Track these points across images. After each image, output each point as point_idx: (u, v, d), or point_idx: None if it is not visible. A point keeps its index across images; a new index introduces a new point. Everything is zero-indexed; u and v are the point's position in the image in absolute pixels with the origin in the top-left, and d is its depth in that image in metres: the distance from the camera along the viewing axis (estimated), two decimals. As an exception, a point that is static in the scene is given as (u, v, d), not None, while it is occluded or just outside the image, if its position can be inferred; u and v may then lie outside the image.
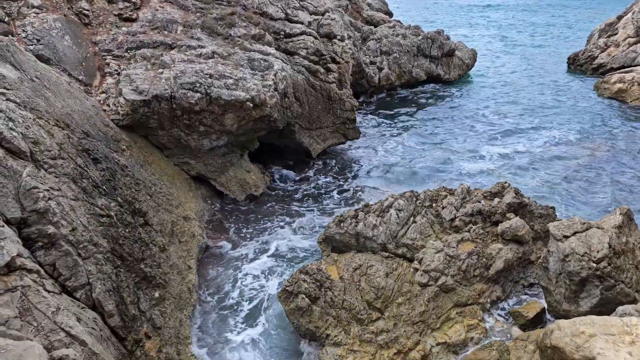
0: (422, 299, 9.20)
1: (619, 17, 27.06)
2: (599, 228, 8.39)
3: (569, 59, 27.87)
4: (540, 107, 21.90)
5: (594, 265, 7.94)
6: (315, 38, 16.19)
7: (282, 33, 15.66)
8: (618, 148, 17.23)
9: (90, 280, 6.65)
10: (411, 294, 9.32)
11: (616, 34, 25.71)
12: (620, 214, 8.73)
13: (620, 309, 6.96)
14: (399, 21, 29.75)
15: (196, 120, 12.41)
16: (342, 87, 16.94)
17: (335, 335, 8.82)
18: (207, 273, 10.83)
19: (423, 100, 23.16)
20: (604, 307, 8.00)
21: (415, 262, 9.78)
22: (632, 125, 19.39)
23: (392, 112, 21.58)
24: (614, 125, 19.43)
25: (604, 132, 18.75)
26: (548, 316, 9.09)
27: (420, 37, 24.57)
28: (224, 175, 13.72)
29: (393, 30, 24.84)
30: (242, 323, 9.53)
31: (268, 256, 11.53)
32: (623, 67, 23.22)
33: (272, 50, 14.45)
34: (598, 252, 8.00)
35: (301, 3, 16.58)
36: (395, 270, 9.72)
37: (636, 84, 21.54)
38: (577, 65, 26.81)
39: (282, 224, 12.90)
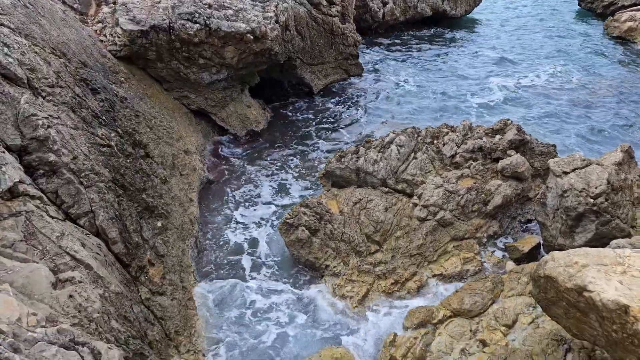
0: (420, 232, 9.36)
1: (636, -49, 25.86)
2: (598, 165, 8.40)
3: (580, -5, 26.98)
4: (546, 45, 21.41)
5: (592, 200, 8.02)
6: (318, -32, 15.57)
7: (284, -38, 15.01)
8: (621, 87, 16.98)
9: (93, 208, 6.73)
10: (409, 228, 9.47)
11: (631, -32, 24.67)
12: (621, 151, 8.72)
13: (614, 242, 7.09)
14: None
15: (195, 52, 12.15)
16: (345, 21, 16.49)
17: (335, 266, 9.05)
18: (207, 207, 10.96)
19: (427, 38, 22.58)
20: (598, 242, 8.15)
21: (415, 197, 9.88)
22: (635, 64, 19.01)
23: (395, 50, 21.10)
24: (619, 65, 19.05)
25: (609, 72, 18.41)
26: (543, 251, 9.29)
27: (427, -30, 23.65)
28: (225, 110, 13.60)
29: (399, -38, 23.83)
30: (241, 254, 9.74)
31: (269, 191, 11.63)
32: (635, 4, 22.48)
33: (273, -20, 13.92)
34: (596, 188, 8.05)
35: None
36: (394, 205, 9.83)
37: (648, 22, 20.94)
38: (588, 2, 25.94)
39: (282, 159, 12.92)
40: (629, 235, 7.95)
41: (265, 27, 12.38)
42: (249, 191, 11.61)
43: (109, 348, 5.10)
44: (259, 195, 11.47)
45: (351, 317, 8.32)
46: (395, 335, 7.73)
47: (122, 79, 10.80)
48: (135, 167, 8.43)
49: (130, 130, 9.18)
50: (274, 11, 13.12)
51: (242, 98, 13.92)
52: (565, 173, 8.41)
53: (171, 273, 7.86)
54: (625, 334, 5.06)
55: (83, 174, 6.81)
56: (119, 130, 8.69)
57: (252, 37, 12.09)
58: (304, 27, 14.87)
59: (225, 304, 8.49)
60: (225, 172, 12.34)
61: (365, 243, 9.29)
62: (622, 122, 14.84)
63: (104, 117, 8.40)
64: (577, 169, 8.41)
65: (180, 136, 11.66)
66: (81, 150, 7.04)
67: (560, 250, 8.47)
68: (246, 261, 9.57)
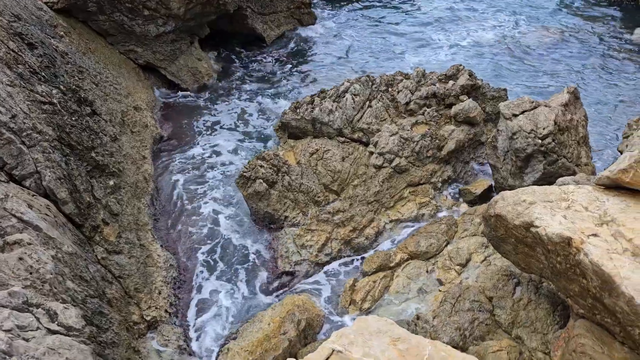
0: (377, 180, 9.48)
1: None
2: (546, 106, 8.63)
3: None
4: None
5: (539, 141, 8.28)
6: None
7: None
8: (569, 33, 17.28)
9: (38, 169, 6.47)
10: (366, 176, 9.58)
11: None
12: (567, 92, 8.96)
13: (560, 180, 7.40)
14: None
15: (139, 3, 11.57)
16: (295, -32, 15.97)
17: (294, 217, 9.12)
18: (160, 163, 10.72)
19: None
20: (546, 181, 8.47)
21: (371, 145, 9.94)
22: (585, 10, 19.34)
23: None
24: (567, 10, 19.32)
25: (556, 18, 18.67)
26: (495, 193, 9.61)
27: None
28: (174, 63, 13.14)
29: None
30: (198, 209, 9.66)
31: (224, 145, 11.45)
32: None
33: None
34: (544, 129, 8.30)
35: None
36: (351, 154, 9.88)
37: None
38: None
39: (236, 112, 12.68)
40: (574, 173, 8.29)
41: (212, -26, 11.86)
42: (202, 146, 11.40)
43: (65, 308, 5.03)
44: (213, 150, 11.29)
45: (311, 265, 8.47)
46: (355, 280, 7.95)
47: (62, 33, 10.20)
48: (81, 125, 8.10)
49: (74, 87, 8.75)
50: (220, -43, 12.55)
51: (192, 51, 13.45)
52: (515, 116, 8.61)
53: (127, 231, 7.74)
54: (569, 265, 5.35)
55: (25, 133, 6.50)
56: (61, 87, 8.27)
57: (198, -15, 11.58)
58: (253, -26, 14.33)
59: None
60: (178, 127, 12.03)
61: (323, 193, 9.36)
62: (568, 66, 15.19)
63: (43, 74, 7.96)
64: (525, 111, 8.61)
65: (129, 92, 11.24)
66: (20, 108, 6.69)
67: (511, 190, 8.80)
68: (203, 217, 9.51)
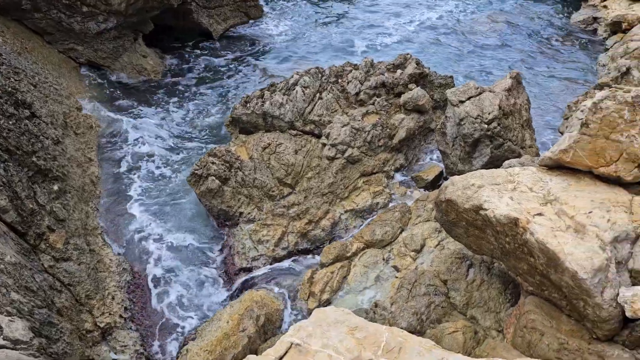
0: (331, 171, 9.51)
1: None
2: (491, 92, 8.86)
3: None
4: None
5: (486, 126, 8.50)
6: None
7: None
8: (511, 18, 17.81)
9: (-26, 177, 6.14)
10: (320, 168, 9.59)
11: None
12: (510, 77, 9.23)
13: (506, 162, 7.63)
14: None
15: (76, -1, 11.11)
16: (239, -40, 15.71)
17: (249, 213, 9.04)
18: (109, 163, 10.38)
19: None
20: (493, 165, 8.71)
21: (323, 137, 9.95)
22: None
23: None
24: (510, -4, 19.92)
25: (498, 4, 19.20)
26: (446, 178, 9.81)
27: None
28: (118, 61, 12.72)
29: None
30: (150, 209, 9.42)
31: (173, 143, 11.20)
32: None
33: None
34: (489, 114, 8.53)
35: None
36: (304, 146, 9.86)
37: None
38: None
39: (185, 109, 12.41)
40: (519, 156, 8.56)
41: (153, -32, 11.52)
42: (152, 145, 11.11)
43: (10, 321, 4.81)
44: (164, 148, 11.03)
45: (268, 260, 8.42)
46: (313, 272, 7.97)
47: (-7, 32, 9.70)
48: (20, 129, 7.73)
49: (10, 89, 8.33)
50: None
51: (137, 47, 13.06)
52: (461, 102, 8.80)
53: (75, 237, 7.46)
54: (517, 244, 5.53)
55: (-44, 140, 6.14)
56: (-5, 89, 7.86)
57: (138, -21, 11.23)
58: (195, -33, 14.01)
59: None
60: (124, 127, 11.66)
61: (277, 187, 9.31)
62: (512, 50, 15.65)
63: (-25, 76, 7.54)
64: (471, 97, 8.82)
65: (70, 92, 10.81)
66: (-50, 113, 6.31)
67: (461, 175, 9.01)
68: (153, 216, 9.29)
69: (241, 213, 9.01)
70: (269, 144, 9.68)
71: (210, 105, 12.61)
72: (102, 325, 6.90)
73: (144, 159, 10.66)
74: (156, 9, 12.65)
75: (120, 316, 7.19)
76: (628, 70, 11.46)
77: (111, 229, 8.86)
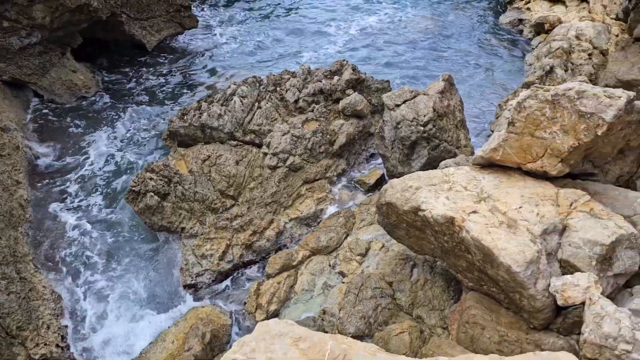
0: (273, 180, 9.44)
1: None
2: (425, 95, 9.08)
3: None
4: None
5: (422, 128, 8.70)
6: None
7: None
8: (442, 22, 18.39)
9: None
10: (262, 178, 9.50)
11: None
12: (442, 80, 9.49)
13: (442, 163, 7.83)
14: None
15: (-5, 13, 10.55)
16: (171, -30, 15.41)
17: (191, 227, 8.83)
18: (39, 185, 9.89)
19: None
20: (431, 165, 8.91)
21: (264, 146, 9.88)
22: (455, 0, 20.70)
23: (230, -2, 20.41)
24: (439, 1, 20.54)
25: (431, 8, 19.79)
26: (387, 181, 9.95)
27: None
28: (46, 77, 12.17)
29: None
30: (87, 231, 9.05)
31: (109, 159, 10.81)
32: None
33: None
34: (424, 116, 8.73)
35: None
36: (245, 157, 9.75)
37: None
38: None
39: (121, 124, 12.01)
40: (455, 155, 8.81)
41: (77, -20, 11.10)
42: (87, 162, 10.68)
43: None
44: (99, 166, 10.62)
45: (213, 274, 8.25)
46: (260, 283, 7.86)
47: None
48: None
49: None
50: (85, -39, 11.78)
51: (65, 62, 12.53)
52: (397, 106, 8.97)
53: (3, 266, 7.02)
54: (454, 242, 5.67)
55: None
56: None
57: (62, -8, 10.79)
58: (124, -22, 13.62)
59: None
60: (56, 145, 11.15)
61: (220, 199, 9.15)
62: (446, 52, 16.15)
63: None
64: (407, 100, 9.00)
65: (-7, 112, 10.22)
66: None
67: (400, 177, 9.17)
68: (90, 237, 8.91)
69: (183, 228, 8.79)
70: (209, 156, 9.51)
71: (147, 120, 12.26)
72: (37, 357, 6.52)
73: (79, 177, 10.23)
74: (84, 21, 12.19)
75: (57, 345, 6.82)
76: (552, 69, 12.06)
77: (44, 254, 8.42)
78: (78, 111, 12.30)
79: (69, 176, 10.26)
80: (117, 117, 12.28)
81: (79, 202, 9.66)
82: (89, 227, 9.13)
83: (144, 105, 12.82)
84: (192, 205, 8.95)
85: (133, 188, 8.73)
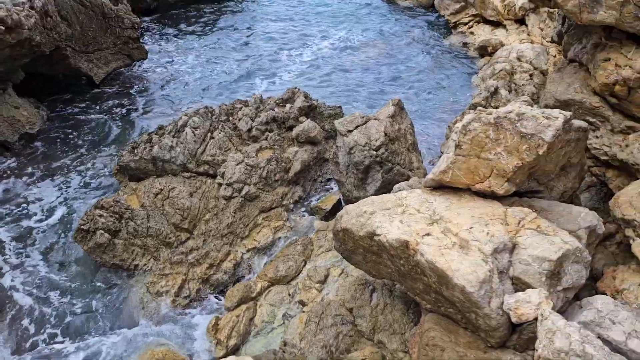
0: (229, 211, 9.33)
1: None
2: (376, 119, 9.24)
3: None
4: (322, 14, 22.69)
5: (374, 152, 8.82)
6: (74, -55, 14.04)
7: (30, -61, 13.21)
8: (391, 46, 18.91)
9: None
10: (217, 209, 9.37)
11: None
12: (392, 104, 9.69)
13: (395, 186, 7.94)
14: None
15: None
16: (117, 2, 15.27)
17: (145, 264, 8.58)
18: (-17, 229, 9.43)
19: (212, 16, 22.21)
20: (386, 189, 9.03)
21: (218, 177, 9.77)
22: (402, 24, 21.35)
23: (181, 29, 20.35)
24: (388, 26, 21.16)
25: (380, 33, 20.34)
26: (344, 206, 10.00)
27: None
28: (-14, 115, 11.70)
29: (169, -63, 22.79)
30: (34, 276, 8.63)
31: (56, 199, 10.43)
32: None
33: (19, -40, 12.16)
34: (376, 140, 8.87)
35: None
36: (199, 188, 9.61)
37: (404, -14, 23.49)
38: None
39: (69, 160, 11.64)
40: (408, 178, 8.96)
41: (18, 14, 10.82)
42: (33, 203, 10.26)
43: None
44: (45, 206, 10.21)
45: (170, 312, 8.00)
46: (218, 318, 7.68)
47: None
48: None
49: None
50: (26, -4, 11.53)
51: (7, 98, 12.09)
52: (350, 131, 9.08)
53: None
54: (410, 266, 5.71)
55: None
56: None
57: (2, 27, 10.47)
58: (68, 11, 13.38)
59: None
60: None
61: (174, 233, 8.95)
62: (396, 75, 16.55)
63: None
64: (358, 126, 9.13)
65: None
66: None
67: (357, 201, 9.24)
68: (40, 284, 8.51)
69: (136, 265, 8.52)
70: (162, 189, 9.33)
71: (96, 154, 11.93)
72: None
73: (25, 219, 9.80)
74: (26, 57, 11.85)
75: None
76: (496, 90, 12.54)
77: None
78: (20, 146, 11.85)
79: (14, 218, 9.81)
80: (64, 153, 11.90)
81: (24, 246, 9.23)
82: (35, 272, 8.71)
83: (93, 139, 12.50)
84: (145, 240, 8.71)
85: (82, 226, 8.43)
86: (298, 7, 23.76)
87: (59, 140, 12.40)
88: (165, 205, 9.13)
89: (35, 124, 12.35)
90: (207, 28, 20.59)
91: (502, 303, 4.97)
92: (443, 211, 5.98)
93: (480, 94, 12.56)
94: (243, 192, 9.48)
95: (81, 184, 10.87)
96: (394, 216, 6.23)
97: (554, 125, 5.29)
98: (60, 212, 10.04)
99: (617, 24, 6.61)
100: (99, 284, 8.56)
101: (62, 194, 10.51)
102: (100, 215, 8.53)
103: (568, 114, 5.63)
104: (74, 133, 12.73)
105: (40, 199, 10.35)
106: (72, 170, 11.29)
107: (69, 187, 10.74)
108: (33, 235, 9.44)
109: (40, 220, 9.79)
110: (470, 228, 5.50)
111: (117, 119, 13.56)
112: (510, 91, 13.16)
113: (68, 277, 8.65)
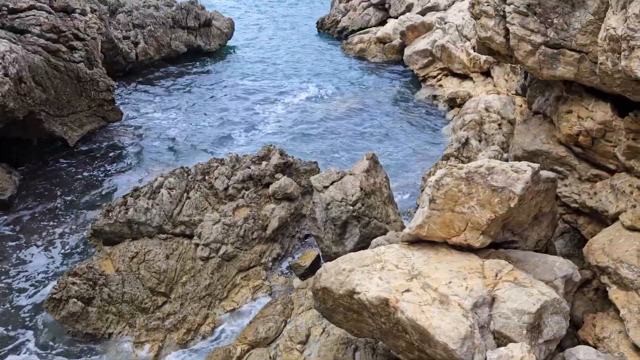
0: (206, 272, 9.18)
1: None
2: (351, 174, 9.36)
3: (317, 23, 30.05)
4: (296, 70, 23.30)
5: (351, 208, 8.87)
6: (50, 13, 14.32)
7: (5, 9, 13.46)
8: (364, 100, 19.41)
9: None
10: (195, 270, 9.22)
11: (353, -1, 28.59)
12: (366, 159, 9.85)
13: (373, 241, 7.95)
14: (149, -8, 28.17)
15: None
16: (92, 66, 15.44)
17: (119, 332, 8.29)
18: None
19: (187, 75, 22.63)
20: (365, 243, 9.03)
21: (195, 237, 9.66)
22: (373, 79, 22.02)
23: (155, 89, 20.61)
24: (360, 81, 21.80)
25: (352, 88, 20.91)
26: (322, 262, 9.93)
27: (174, 8, 23.70)
28: (-44, 182, 11.48)
29: (144, 2, 23.43)
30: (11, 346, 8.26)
31: (28, 268, 10.12)
32: (361, 28, 26.01)
33: (-7, 29, 12.34)
34: (352, 195, 8.94)
35: (23, -27, 14.39)
36: (175, 250, 9.47)
37: (373, 43, 24.39)
38: (325, 28, 29.13)
39: (42, 226, 11.40)
40: (386, 232, 8.99)
41: (-8, 82, 10.86)
42: (3, 273, 9.94)
43: None
44: (17, 276, 9.89)
45: (147, 382, 7.70)
46: (197, 386, 7.40)
47: None
48: None
49: None
50: (0, 63, 11.61)
51: (-22, 165, 11.94)
52: (326, 187, 9.16)
53: None
54: (391, 324, 5.64)
55: None
56: None
57: (-25, 95, 10.48)
58: (43, 77, 13.46)
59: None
60: (-32, 255, 10.37)
61: (150, 298, 8.73)
62: (370, 129, 16.91)
63: None
64: (334, 182, 9.22)
65: None
66: None
67: (336, 257, 9.19)
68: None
69: (111, 334, 8.23)
70: (137, 253, 9.16)
71: (68, 219, 11.72)
72: None
73: (-8, 288, 9.46)
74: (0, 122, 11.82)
75: None
76: (467, 141, 12.89)
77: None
78: (-7, 215, 11.60)
79: (-19, 287, 9.47)
80: (37, 219, 11.67)
81: (-8, 315, 8.87)
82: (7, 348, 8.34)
83: (66, 203, 12.31)
84: (120, 307, 8.46)
85: (54, 295, 8.17)
86: (273, 63, 24.39)
87: (31, 205, 12.18)
88: (141, 269, 8.94)
89: (6, 189, 12.13)
90: (182, 87, 20.90)
91: (485, 359, 4.92)
92: (421, 266, 5.98)
93: (452, 144, 12.88)
94: (220, 252, 9.37)
95: (54, 251, 10.60)
96: (373, 273, 6.20)
97: (523, 178, 5.43)
98: (30, 280, 9.72)
99: (576, 79, 6.94)
100: (71, 354, 8.21)
101: (32, 262, 10.22)
102: (73, 283, 8.29)
103: (536, 166, 5.80)
104: (47, 197, 12.53)
105: (8, 269, 10.02)
106: (44, 237, 11.03)
107: (41, 254, 10.46)
108: (10, 307, 9.08)
109: (15, 292, 9.44)
110: (449, 282, 5.50)
111: (92, 181, 13.44)
112: (480, 141, 13.54)
113: (38, 346, 8.28)
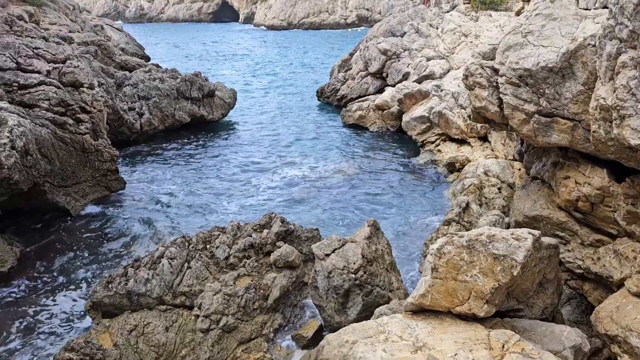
0: (206, 345, 8.94)
1: (351, 54, 31.26)
2: (352, 242, 9.34)
3: (317, 92, 30.96)
4: (297, 140, 23.76)
5: (353, 276, 8.79)
6: (58, 87, 14.84)
7: (16, 84, 13.96)
8: (364, 168, 19.64)
9: None
10: (195, 343, 8.99)
11: (351, 68, 29.58)
12: (368, 226, 9.87)
13: (376, 311, 7.81)
14: (156, 65, 29.30)
15: None
16: (97, 138, 15.81)
17: (115, 411, 7.97)
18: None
19: (190, 145, 23.08)
20: (368, 312, 8.88)
21: (196, 308, 9.50)
22: (372, 146, 22.40)
23: (158, 159, 20.96)
24: (359, 148, 22.16)
25: (352, 155, 21.22)
26: (325, 331, 9.70)
27: (178, 80, 24.52)
28: (-44, 255, 11.44)
29: (149, 75, 24.29)
30: None
31: (28, 343, 9.89)
32: (360, 96, 26.75)
33: (3, 104, 12.74)
34: (354, 263, 8.88)
35: (35, 51, 15.06)
36: (175, 322, 9.28)
37: (372, 110, 25.02)
38: (325, 97, 29.96)
39: (41, 300, 11.24)
40: (389, 300, 8.85)
41: (-2, 155, 11.09)
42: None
43: None
44: (15, 351, 9.65)
45: None
46: None
47: None
48: None
49: None
50: (8, 137, 11.89)
51: (-21, 237, 11.95)
52: (327, 255, 9.11)
53: None
54: (397, 400, 5.45)
55: None
56: None
57: (-19, 168, 10.67)
58: (49, 149, 13.75)
59: None
60: (-36, 330, 10.16)
61: (148, 373, 8.46)
62: (367, 197, 16.99)
63: None
64: (336, 249, 9.19)
65: None
66: None
67: (339, 327, 8.99)
68: None
69: (106, 413, 7.92)
70: (136, 326, 8.97)
71: (67, 291, 11.57)
72: None
73: (-14, 365, 9.20)
74: (4, 195, 11.94)
75: None
76: (468, 205, 12.92)
77: None
78: (-9, 288, 11.46)
79: (-25, 364, 9.21)
80: (36, 292, 11.52)
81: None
82: None
83: (69, 276, 12.19)
84: (117, 383, 8.19)
85: (49, 372, 7.93)
86: (274, 131, 24.91)
87: (34, 277, 12.06)
88: (140, 342, 8.72)
89: (7, 261, 12.06)
90: (184, 156, 21.25)
91: None
92: (426, 337, 5.86)
93: (453, 209, 12.90)
94: (221, 324, 9.17)
95: (51, 325, 10.39)
96: (377, 344, 6.07)
97: (524, 246, 5.43)
98: (28, 355, 9.46)
99: (571, 145, 7.09)
100: None
101: (34, 337, 9.99)
102: (70, 359, 8.07)
103: (537, 232, 5.81)
104: (47, 268, 12.43)
105: (6, 343, 9.78)
106: (42, 310, 10.84)
107: (43, 328, 10.24)
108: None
109: (4, 367, 9.19)
110: (455, 355, 5.36)
111: (92, 250, 13.37)
112: (481, 205, 13.59)
113: None
